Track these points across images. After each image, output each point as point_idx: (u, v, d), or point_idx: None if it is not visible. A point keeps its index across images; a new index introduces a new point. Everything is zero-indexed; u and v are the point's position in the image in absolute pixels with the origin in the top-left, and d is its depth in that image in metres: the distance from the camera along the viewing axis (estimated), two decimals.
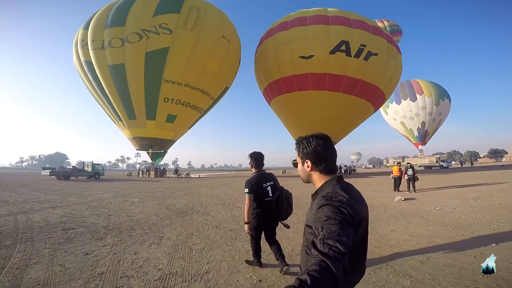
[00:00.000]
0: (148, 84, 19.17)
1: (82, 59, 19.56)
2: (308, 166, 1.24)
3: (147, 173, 34.45)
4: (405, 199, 8.87)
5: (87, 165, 25.24)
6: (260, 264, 3.33)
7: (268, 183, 3.15)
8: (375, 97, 21.02)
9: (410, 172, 11.29)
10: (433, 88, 36.98)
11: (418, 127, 38.60)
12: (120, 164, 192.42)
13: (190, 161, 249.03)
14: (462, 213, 6.49)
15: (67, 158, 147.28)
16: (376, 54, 18.34)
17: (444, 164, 42.24)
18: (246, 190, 3.06)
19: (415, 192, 10.92)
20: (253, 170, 3.25)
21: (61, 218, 6.19)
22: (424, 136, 39.89)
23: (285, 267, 3.10)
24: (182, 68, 19.14)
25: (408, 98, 36.96)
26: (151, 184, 19.07)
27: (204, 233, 5.05)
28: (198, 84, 20.46)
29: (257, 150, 3.35)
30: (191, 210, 7.57)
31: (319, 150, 1.21)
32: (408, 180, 11.32)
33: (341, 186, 1.14)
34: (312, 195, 1.24)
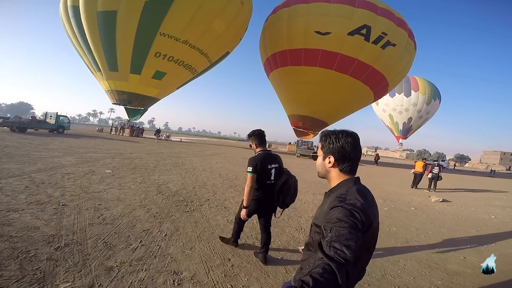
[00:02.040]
0: (140, 35, 16.79)
1: (68, 4, 16.98)
2: (329, 162, 1.14)
3: (121, 131, 31.72)
4: (442, 200, 8.40)
5: (50, 116, 21.73)
6: (236, 244, 3.25)
7: (273, 165, 2.85)
8: (379, 87, 20.76)
9: (436, 170, 10.67)
10: (429, 87, 37.56)
11: (404, 122, 39.65)
12: (91, 118, 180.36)
13: (167, 122, 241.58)
14: None
15: (32, 109, 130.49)
16: (394, 45, 17.81)
17: (444, 164, 41.65)
18: (250, 169, 2.72)
19: (435, 191, 10.52)
20: (257, 149, 2.95)
21: None
22: (407, 131, 41.29)
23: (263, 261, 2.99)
24: (184, 23, 16.79)
25: (403, 93, 37.29)
26: (127, 146, 16.33)
27: (250, 260, 2.97)
28: (198, 43, 18.27)
29: (257, 128, 3.03)
30: (195, 198, 5.38)
31: (346, 148, 1.11)
32: (431, 179, 10.77)
33: (357, 188, 1.07)
34: (326, 193, 1.18)
